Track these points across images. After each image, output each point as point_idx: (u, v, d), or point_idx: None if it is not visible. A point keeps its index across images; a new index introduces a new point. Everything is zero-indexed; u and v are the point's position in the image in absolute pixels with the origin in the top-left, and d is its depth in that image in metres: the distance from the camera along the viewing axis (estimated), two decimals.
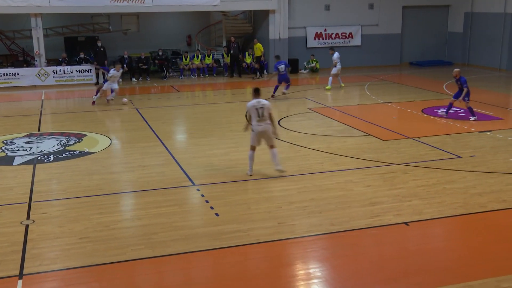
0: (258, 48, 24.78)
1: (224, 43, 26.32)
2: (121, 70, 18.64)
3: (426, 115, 15.82)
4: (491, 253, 7.28)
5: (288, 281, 6.70)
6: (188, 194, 9.77)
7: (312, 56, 25.99)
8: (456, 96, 15.34)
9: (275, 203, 9.10)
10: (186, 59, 25.12)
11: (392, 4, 27.20)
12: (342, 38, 26.84)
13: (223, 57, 25.55)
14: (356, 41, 27.00)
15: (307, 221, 8.35)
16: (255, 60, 24.90)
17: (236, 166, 11.19)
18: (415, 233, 8.01)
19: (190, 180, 10.34)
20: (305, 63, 25.97)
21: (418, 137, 13.25)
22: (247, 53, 25.47)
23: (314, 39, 26.42)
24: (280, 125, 14.82)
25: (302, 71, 25.71)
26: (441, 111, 16.19)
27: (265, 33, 25.57)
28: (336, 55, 20.96)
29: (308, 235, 7.87)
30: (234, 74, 24.90)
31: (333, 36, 26.67)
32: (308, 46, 26.33)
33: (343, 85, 21.38)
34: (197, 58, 25.11)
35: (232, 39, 24.92)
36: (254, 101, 10.32)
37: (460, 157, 11.61)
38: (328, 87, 20.82)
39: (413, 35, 28.05)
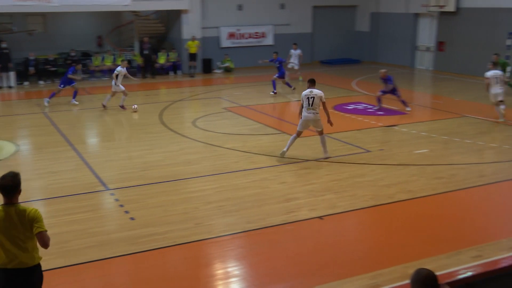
0: (191, 45, 24.65)
1: (137, 44, 25.87)
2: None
3: (337, 112, 16.31)
4: (398, 241, 7.64)
5: (207, 281, 6.71)
6: (102, 199, 9.55)
7: (226, 56, 26.09)
8: (384, 92, 16.32)
9: (191, 204, 9.08)
10: (96, 60, 24.48)
11: (303, 4, 27.80)
12: (255, 37, 27.13)
13: (134, 58, 25.11)
14: (269, 40, 27.37)
15: (224, 221, 8.39)
16: (189, 58, 24.82)
17: (151, 168, 11.05)
18: (329, 226, 8.26)
19: (104, 184, 10.10)
20: (219, 63, 26.03)
21: (330, 133, 13.63)
22: (160, 53, 25.17)
23: (228, 38, 26.53)
24: (196, 126, 14.79)
25: (216, 70, 25.75)
26: (351, 107, 16.78)
27: (178, 33, 25.39)
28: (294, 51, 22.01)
29: (225, 234, 7.92)
30: (147, 75, 24.54)
31: (246, 35, 26.90)
32: (222, 46, 26.40)
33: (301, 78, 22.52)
34: (108, 59, 24.52)
35: (145, 39, 24.55)
36: (307, 91, 11.35)
37: (369, 151, 12.08)
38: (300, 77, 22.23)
39: (323, 34, 28.80)
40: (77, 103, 17.96)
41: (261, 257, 7.25)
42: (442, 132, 13.73)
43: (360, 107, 17.09)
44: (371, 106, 17.02)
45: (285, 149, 11.50)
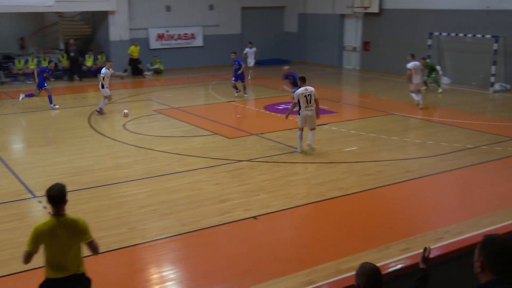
0: (134, 50, 24.42)
1: (62, 46, 25.09)
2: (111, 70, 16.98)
3: (268, 112, 16.46)
4: (332, 238, 7.80)
5: (142, 286, 6.60)
6: (29, 207, 9.20)
7: (155, 58, 25.76)
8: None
9: (124, 208, 8.91)
10: (19, 63, 23.54)
11: (231, 5, 27.86)
12: (184, 39, 26.94)
13: (59, 61, 24.31)
14: (198, 41, 27.26)
15: (158, 224, 8.29)
16: (130, 63, 24.48)
17: (81, 173, 10.75)
18: (264, 226, 8.31)
19: (30, 192, 9.73)
20: (148, 65, 25.66)
21: (262, 133, 13.75)
22: (87, 55, 24.53)
23: (157, 40, 26.21)
24: (126, 129, 14.52)
25: (146, 72, 25.38)
26: (282, 107, 16.97)
27: (106, 34, 24.83)
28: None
29: (160, 238, 7.82)
30: (74, 78, 23.85)
31: (175, 37, 26.67)
32: (151, 47, 26.04)
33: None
34: (32, 62, 23.63)
35: (71, 41, 23.85)
36: (302, 89, 11.81)
37: (297, 149, 12.24)
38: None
39: (253, 35, 28.93)
40: (56, 106, 17.50)
41: (197, 259, 7.21)
42: (370, 130, 14.13)
43: (290, 106, 17.27)
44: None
45: (298, 150, 12.01)
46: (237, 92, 19.12)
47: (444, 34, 21.53)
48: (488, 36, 19.94)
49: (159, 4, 26.07)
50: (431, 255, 4.50)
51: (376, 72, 24.68)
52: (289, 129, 14.20)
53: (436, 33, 21.76)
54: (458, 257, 7.25)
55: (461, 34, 20.80)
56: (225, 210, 8.77)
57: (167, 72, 25.58)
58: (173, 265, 7.09)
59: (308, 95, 11.84)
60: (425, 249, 4.35)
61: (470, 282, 7.37)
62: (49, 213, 4.96)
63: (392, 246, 7.38)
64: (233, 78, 19.09)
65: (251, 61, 23.37)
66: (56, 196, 4.81)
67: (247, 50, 23.41)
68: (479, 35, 20.23)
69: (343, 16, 26.99)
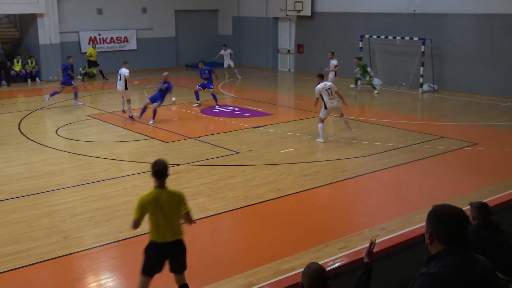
0: (94, 52, 24.43)
1: None
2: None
3: (204, 115, 16.38)
4: (271, 239, 7.83)
5: None
6: None
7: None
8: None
9: (58, 217, 8.61)
10: None
11: (165, 8, 27.58)
12: (117, 42, 26.43)
13: None
14: (132, 45, 26.82)
15: (94, 232, 8.06)
16: (88, 65, 24.39)
17: (11, 182, 10.32)
18: (203, 229, 8.23)
19: None
20: (80, 69, 24.99)
21: (199, 137, 13.67)
22: (15, 60, 23.62)
23: (89, 43, 25.57)
24: (59, 135, 14.08)
25: (78, 76, 24.70)
26: (218, 110, 16.96)
27: (35, 38, 23.98)
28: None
29: (96, 246, 7.60)
30: (2, 83, 22.90)
31: (108, 40, 26.12)
32: (83, 51, 25.37)
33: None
34: None
35: None
36: (322, 84, 13.03)
37: (238, 152, 12.26)
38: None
39: (187, 38, 28.82)
40: (80, 103, 17.99)
41: (136, 267, 7.02)
42: (306, 131, 14.31)
43: (227, 109, 17.31)
44: (238, 109, 17.32)
45: (321, 140, 13.10)
46: (197, 103, 17.96)
47: (375, 36, 22.13)
48: (415, 38, 20.66)
49: (90, 6, 25.45)
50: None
51: (310, 74, 25.03)
52: (226, 132, 14.19)
53: (367, 36, 22.34)
54: (393, 253, 7.45)
55: (390, 37, 21.43)
56: None
57: (100, 76, 24.99)
58: (110, 273, 6.91)
59: (328, 88, 12.99)
60: (371, 242, 4.43)
61: (405, 276, 7.57)
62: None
63: (330, 244, 7.49)
64: (200, 85, 18.03)
65: (227, 63, 23.93)
66: (161, 171, 5.58)
67: (222, 52, 23.96)
68: (407, 38, 20.92)
69: (276, 19, 27.26)
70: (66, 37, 24.72)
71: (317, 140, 13.21)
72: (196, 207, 8.94)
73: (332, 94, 12.96)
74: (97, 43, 25.75)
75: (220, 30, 29.95)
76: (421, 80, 20.50)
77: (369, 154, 12.08)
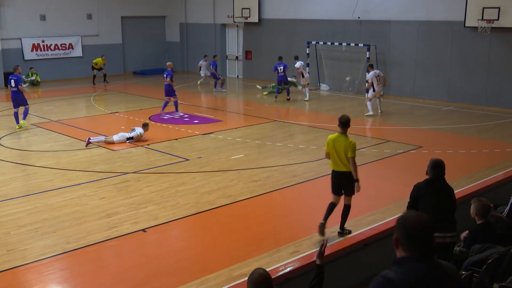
0: (101, 62, 24.91)
1: None
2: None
3: (153, 122, 16.23)
4: (223, 245, 7.82)
5: None
6: None
7: (31, 69, 24.45)
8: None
9: (2, 229, 8.33)
10: None
11: (111, 15, 27.18)
12: (62, 49, 25.85)
13: None
14: (77, 52, 26.30)
15: (41, 243, 7.84)
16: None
17: None
18: (153, 238, 8.15)
19: None
20: (23, 77, 24.30)
21: (148, 144, 13.53)
22: None
23: (32, 50, 24.91)
24: (2, 144, 13.64)
25: (22, 85, 23.97)
26: (167, 116, 16.85)
27: None
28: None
29: (43, 258, 7.39)
30: None
31: (52, 47, 25.51)
32: (26, 58, 24.71)
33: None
34: None
35: None
36: (372, 72, 17.17)
37: (188, 159, 12.21)
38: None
39: (134, 45, 28.49)
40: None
41: (85, 277, 6.91)
42: (255, 137, 14.38)
43: (176, 116, 17.21)
44: (187, 115, 17.24)
45: (372, 113, 17.02)
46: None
47: (321, 43, 22.48)
48: (361, 45, 21.12)
49: (32, 12, 24.80)
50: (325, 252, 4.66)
51: (258, 80, 25.22)
52: (175, 139, 14.10)
53: (314, 42, 22.67)
54: (344, 255, 7.58)
55: (336, 43, 21.83)
56: (112, 224, 8.49)
57: (44, 84, 24.41)
58: (59, 285, 6.74)
59: (377, 76, 17.02)
60: (322, 244, 4.48)
61: (355, 278, 7.74)
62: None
63: (282, 249, 7.54)
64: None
65: (203, 72, 23.93)
66: (345, 121, 7.81)
67: (201, 63, 24.02)
68: (353, 44, 21.36)
69: (224, 25, 27.32)
70: (8, 44, 24.02)
71: (366, 114, 17.15)
72: (145, 215, 8.86)
73: (379, 81, 16.98)
74: (41, 50, 25.13)
75: (167, 37, 29.76)
76: (366, 85, 20.94)
77: (318, 158, 12.23)
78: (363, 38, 21.33)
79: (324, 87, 22.88)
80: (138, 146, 13.43)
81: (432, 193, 6.29)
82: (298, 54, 22.02)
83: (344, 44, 21.55)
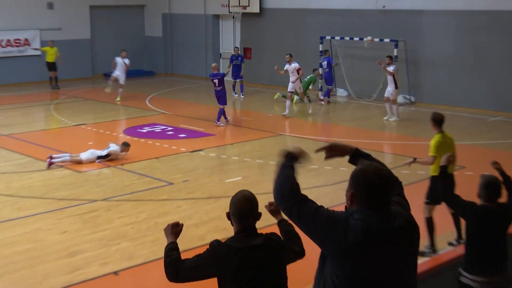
0: (50, 52, 24.46)
1: None
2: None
3: (129, 137, 16.14)
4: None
5: None
6: None
7: None
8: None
9: None
10: None
11: (77, 4, 27.19)
12: (15, 46, 25.85)
13: None
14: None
15: None
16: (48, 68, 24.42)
17: None
18: (127, 282, 8.03)
19: None
20: None
21: (122, 164, 13.43)
22: None
23: None
24: None
25: None
26: (146, 129, 16.77)
27: None
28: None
29: None
30: None
31: (3, 43, 25.50)
32: None
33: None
34: None
35: None
36: (394, 66, 18.27)
37: (171, 183, 12.10)
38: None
39: (106, 41, 28.44)
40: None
41: None
42: (256, 155, 14.29)
43: (157, 129, 17.14)
44: (171, 128, 17.16)
45: (396, 118, 18.32)
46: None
47: (337, 38, 22.46)
48: (386, 40, 21.08)
49: None
50: None
51: (259, 84, 25.17)
52: (156, 158, 14.00)
53: (328, 37, 22.65)
54: None
55: (356, 38, 21.81)
56: (75, 266, 8.38)
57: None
58: None
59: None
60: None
61: None
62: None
63: None
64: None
65: (117, 74, 22.04)
66: (441, 119, 8.68)
67: (117, 59, 22.23)
68: (377, 39, 21.32)
69: (217, 17, 27.39)
70: None
71: (391, 120, 18.04)
72: (118, 254, 8.73)
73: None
74: None
75: (147, 31, 29.81)
76: (394, 77, 20.87)
77: (334, 182, 12.09)
78: (389, 32, 21.30)
79: (341, 92, 22.81)
80: (110, 166, 13.33)
81: (493, 223, 6.12)
82: (310, 52, 21.99)
83: (366, 39, 21.52)
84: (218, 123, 17.63)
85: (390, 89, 18.26)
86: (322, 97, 21.53)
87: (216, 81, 17.67)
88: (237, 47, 23.73)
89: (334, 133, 17.07)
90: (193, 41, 27.97)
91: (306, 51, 23.21)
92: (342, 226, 3.42)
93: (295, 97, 21.02)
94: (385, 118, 18.31)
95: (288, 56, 19.49)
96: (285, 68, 19.41)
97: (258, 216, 4.39)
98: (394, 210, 3.57)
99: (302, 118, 19.31)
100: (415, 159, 8.63)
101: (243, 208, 4.38)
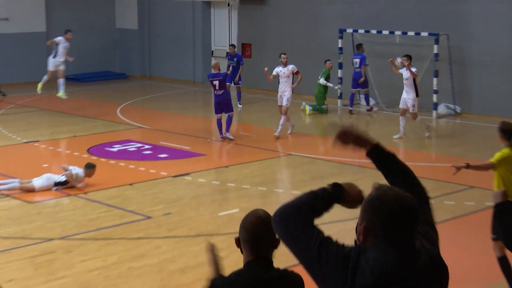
0: None
1: None
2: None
3: (95, 157, 16.09)
4: None
5: None
6: None
7: None
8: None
9: None
10: None
11: None
12: None
13: None
14: None
15: None
16: None
17: None
18: None
19: None
20: None
21: (85, 193, 13.37)
22: None
23: None
24: None
25: None
26: (117, 148, 16.75)
27: None
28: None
29: None
30: None
31: None
32: None
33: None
34: None
35: None
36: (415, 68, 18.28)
37: (149, 217, 12.05)
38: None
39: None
40: None
41: None
42: (258, 181, 14.26)
43: (131, 147, 17.10)
44: (149, 146, 17.11)
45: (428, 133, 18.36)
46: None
47: (361, 31, 22.45)
48: (424, 34, 21.07)
49: None
50: None
51: (261, 89, 25.08)
52: (130, 184, 13.95)
53: (349, 30, 22.65)
54: None
55: (385, 32, 21.79)
56: None
57: None
58: None
59: None
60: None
61: None
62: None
63: None
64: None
65: (56, 62, 21.83)
66: (510, 131, 8.98)
67: (59, 40, 22.06)
68: (411, 33, 21.31)
69: (208, 4, 27.44)
70: None
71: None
72: None
73: None
74: None
75: (118, 22, 29.85)
76: (434, 98, 20.83)
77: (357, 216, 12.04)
78: (427, 24, 21.32)
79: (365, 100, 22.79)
80: (70, 195, 13.27)
81: None
82: (325, 49, 22.02)
83: (397, 33, 21.53)
84: (227, 134, 17.65)
85: (409, 97, 18.01)
86: (368, 105, 21.45)
87: (216, 83, 17.58)
88: (233, 45, 23.62)
89: (356, 152, 16.98)
90: (177, 36, 27.97)
91: (321, 48, 23.22)
92: (352, 264, 3.36)
93: (308, 108, 20.99)
94: (426, 135, 18.14)
95: (284, 56, 18.66)
96: (274, 73, 18.62)
97: (275, 243, 4.29)
98: (417, 246, 3.49)
99: (316, 132, 19.23)
100: (468, 164, 9.19)
101: (257, 232, 4.29)
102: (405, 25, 21.66)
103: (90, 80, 28.17)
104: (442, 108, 20.95)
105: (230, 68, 21.29)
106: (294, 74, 18.60)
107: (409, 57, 18.00)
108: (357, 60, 21.37)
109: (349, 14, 23.10)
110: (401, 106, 18.21)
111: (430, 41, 20.93)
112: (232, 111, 17.87)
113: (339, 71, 21.87)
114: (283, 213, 3.63)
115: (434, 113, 20.80)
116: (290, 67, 18.49)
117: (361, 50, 21.64)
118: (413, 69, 17.87)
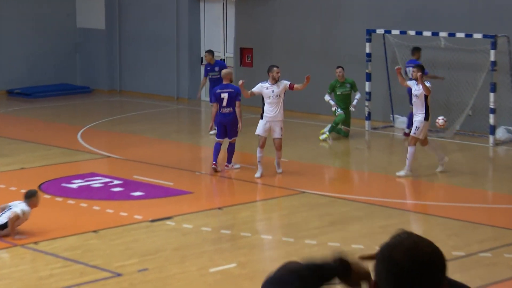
0: None
1: None
2: None
3: (49, 196, 16.08)
4: None
5: None
6: None
7: None
8: None
9: None
10: None
11: None
12: None
13: None
14: None
15: None
16: None
17: None
18: None
19: None
20: None
21: (36, 243, 13.34)
22: None
23: None
24: None
25: None
26: (77, 184, 16.76)
27: None
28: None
29: None
30: None
31: None
32: None
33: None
34: None
35: None
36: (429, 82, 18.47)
37: (120, 274, 12.03)
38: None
39: (14, 38, 28.62)
40: None
41: None
42: (260, 227, 14.27)
43: (96, 183, 17.10)
44: (119, 181, 17.11)
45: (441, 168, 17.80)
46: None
47: (396, 32, 22.53)
48: (477, 35, 21.12)
49: None
50: None
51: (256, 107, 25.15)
52: (94, 231, 13.95)
53: (380, 31, 22.74)
54: None
55: (427, 33, 21.86)
56: None
57: None
58: None
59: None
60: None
61: None
62: None
63: None
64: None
65: None
66: None
67: None
68: (461, 35, 21.37)
69: None
70: None
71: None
72: None
73: None
74: None
75: (79, 21, 29.95)
76: (491, 119, 20.85)
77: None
78: (482, 23, 21.39)
79: (401, 122, 22.77)
80: (17, 245, 13.25)
81: None
82: (350, 57, 22.08)
83: (442, 34, 21.59)
84: (233, 165, 17.74)
85: (415, 119, 17.82)
86: (407, 128, 21.28)
87: (225, 96, 17.68)
88: (211, 50, 23.01)
89: (388, 189, 16.94)
90: (157, 38, 28.05)
91: (341, 54, 23.27)
92: None
93: (325, 131, 20.99)
94: (438, 169, 17.87)
95: (277, 70, 17.94)
96: (256, 89, 18.55)
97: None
98: None
99: (331, 163, 19.23)
100: None
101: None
102: (452, 24, 21.76)
103: (43, 95, 28.21)
104: (501, 132, 20.93)
105: (207, 81, 21.56)
106: (290, 87, 18.02)
107: (420, 67, 17.93)
108: (410, 68, 20.99)
109: (380, 10, 23.22)
110: (407, 131, 18.58)
111: (486, 45, 20.99)
112: (236, 136, 17.76)
113: (367, 83, 21.87)
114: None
115: (490, 138, 20.76)
116: (282, 84, 17.88)
117: (416, 57, 21.52)
118: (427, 84, 17.54)
